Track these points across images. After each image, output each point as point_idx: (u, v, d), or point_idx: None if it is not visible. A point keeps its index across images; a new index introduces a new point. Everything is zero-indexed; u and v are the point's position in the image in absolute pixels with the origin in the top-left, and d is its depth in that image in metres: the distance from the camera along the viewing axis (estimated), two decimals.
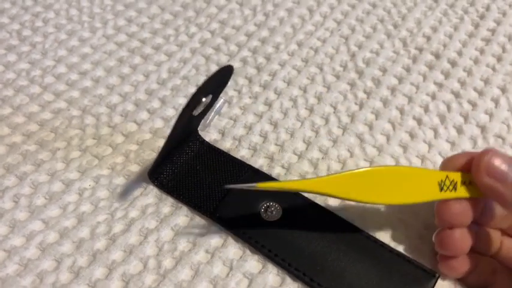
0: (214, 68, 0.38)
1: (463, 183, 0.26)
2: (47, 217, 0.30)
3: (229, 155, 0.33)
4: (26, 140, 0.34)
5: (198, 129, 0.34)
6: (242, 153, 0.33)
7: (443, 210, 0.26)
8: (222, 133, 0.34)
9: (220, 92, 0.31)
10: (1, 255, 0.28)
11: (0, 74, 0.38)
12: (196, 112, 0.29)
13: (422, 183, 0.25)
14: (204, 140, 0.34)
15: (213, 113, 0.34)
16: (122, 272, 0.28)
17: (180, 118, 0.27)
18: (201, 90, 0.27)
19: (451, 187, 0.25)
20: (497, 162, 0.25)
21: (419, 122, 0.34)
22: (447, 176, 0.25)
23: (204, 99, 0.28)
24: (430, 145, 0.33)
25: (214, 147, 0.34)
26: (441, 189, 0.25)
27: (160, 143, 0.34)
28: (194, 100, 0.27)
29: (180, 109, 0.33)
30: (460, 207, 0.25)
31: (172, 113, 0.36)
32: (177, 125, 0.27)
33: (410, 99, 0.35)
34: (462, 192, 0.26)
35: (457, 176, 0.26)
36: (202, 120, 0.33)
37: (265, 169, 0.32)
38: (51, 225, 0.30)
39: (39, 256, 0.28)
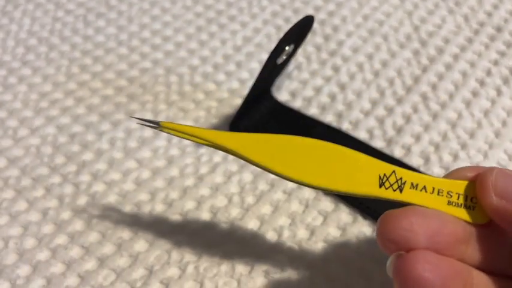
0: None
1: (450, 195, 0.21)
2: (140, 157, 0.34)
3: (300, 112, 0.36)
4: (118, 93, 0.38)
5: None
6: (312, 112, 0.36)
7: (383, 221, 0.20)
8: (293, 94, 0.38)
9: (301, 42, 0.33)
10: (102, 187, 0.32)
11: (92, 37, 0.42)
12: (279, 61, 0.32)
13: (358, 172, 0.21)
14: (277, 99, 0.37)
15: None
16: (210, 205, 0.31)
17: (266, 65, 0.30)
18: (285, 39, 0.30)
19: (395, 186, 0.21)
20: (507, 179, 0.20)
21: (481, 83, 0.37)
22: (394, 172, 0.21)
23: (287, 48, 0.31)
24: (493, 102, 0.35)
25: (286, 105, 0.37)
26: (381, 185, 0.21)
27: (237, 101, 0.37)
28: (279, 48, 0.30)
29: (256, 71, 0.36)
30: (409, 220, 0.19)
31: (247, 76, 0.39)
32: (263, 70, 0.30)
33: (472, 65, 0.38)
34: (419, 199, 0.21)
35: (417, 179, 0.21)
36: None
37: (334, 125, 0.35)
38: (144, 164, 0.33)
39: (136, 189, 0.32)
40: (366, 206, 0.30)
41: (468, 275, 0.20)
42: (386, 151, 0.33)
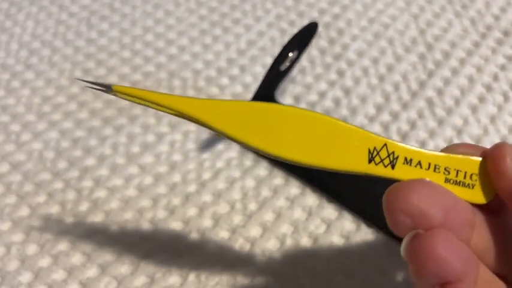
0: None
1: (447, 171, 0.19)
2: (143, 163, 0.33)
3: None
4: None
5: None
6: None
7: (396, 194, 0.17)
8: (297, 99, 0.37)
9: (305, 48, 0.33)
10: (104, 193, 0.32)
11: (95, 40, 0.42)
12: (283, 67, 0.31)
13: (345, 145, 0.19)
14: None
15: None
16: (212, 211, 0.31)
17: (269, 72, 0.30)
18: (289, 46, 0.30)
19: (386, 161, 0.19)
20: None
21: (488, 89, 0.36)
22: (385, 145, 0.19)
23: (290, 54, 0.31)
24: (499, 107, 0.35)
25: None
26: (370, 160, 0.19)
27: None
28: (282, 55, 0.30)
29: (260, 75, 0.36)
30: (430, 191, 0.17)
31: (250, 80, 0.39)
32: (266, 78, 0.30)
33: (479, 70, 0.37)
34: (412, 173, 0.19)
35: (411, 153, 0.19)
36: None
37: None
38: (146, 170, 0.33)
39: (138, 195, 0.32)
40: (370, 214, 0.30)
41: (477, 265, 0.18)
42: None
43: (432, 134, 0.34)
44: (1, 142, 0.35)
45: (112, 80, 0.39)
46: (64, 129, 0.36)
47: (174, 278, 0.28)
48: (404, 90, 0.37)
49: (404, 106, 0.36)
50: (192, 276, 0.28)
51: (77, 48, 0.42)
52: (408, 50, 0.39)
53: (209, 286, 0.27)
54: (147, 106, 0.19)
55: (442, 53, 0.39)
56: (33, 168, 0.33)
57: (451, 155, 0.19)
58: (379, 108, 0.36)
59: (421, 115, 0.35)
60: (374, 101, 0.36)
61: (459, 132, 0.34)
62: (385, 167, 0.19)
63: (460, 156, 0.19)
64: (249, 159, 0.33)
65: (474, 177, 0.19)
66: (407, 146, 0.19)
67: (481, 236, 0.19)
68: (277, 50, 0.40)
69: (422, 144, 0.33)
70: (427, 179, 0.19)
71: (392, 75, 0.38)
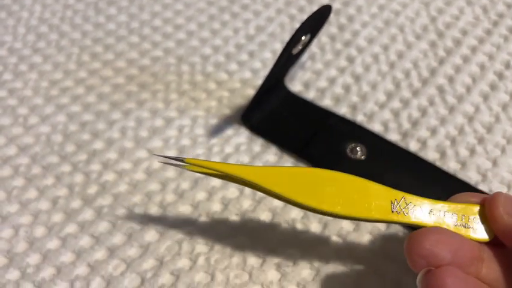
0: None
1: (462, 217, 0.23)
2: (151, 147, 0.33)
3: (314, 103, 0.35)
4: (129, 82, 0.37)
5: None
6: (325, 103, 0.36)
7: (414, 239, 0.21)
8: (306, 85, 0.37)
9: (318, 31, 0.33)
10: (112, 177, 0.32)
11: (103, 25, 0.42)
12: (295, 51, 0.31)
13: (372, 199, 0.23)
14: (290, 90, 0.36)
15: None
16: (221, 196, 0.31)
17: (281, 54, 0.29)
18: (302, 29, 0.29)
19: (406, 210, 0.23)
20: None
21: (500, 76, 0.36)
22: (404, 198, 0.23)
23: (303, 38, 0.30)
24: (511, 95, 0.35)
25: (299, 96, 0.36)
26: (393, 210, 0.23)
27: (249, 91, 0.37)
28: (295, 38, 0.29)
29: (269, 61, 0.35)
30: (439, 236, 0.21)
31: (259, 66, 0.38)
32: (278, 60, 0.30)
33: (491, 57, 0.37)
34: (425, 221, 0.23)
35: (418, 201, 0.23)
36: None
37: (347, 117, 0.34)
38: (155, 154, 0.33)
39: (146, 179, 0.32)
40: None
41: None
42: (402, 144, 0.33)
43: (443, 121, 0.34)
44: (9, 125, 0.35)
45: (120, 64, 0.39)
46: (72, 112, 0.35)
47: (183, 261, 0.28)
48: (415, 78, 0.36)
49: (415, 93, 0.35)
50: (201, 260, 0.28)
51: (85, 32, 0.41)
52: (419, 37, 0.39)
53: (218, 269, 0.27)
54: (214, 177, 0.24)
55: (453, 41, 0.39)
56: (41, 151, 0.33)
57: (457, 204, 0.23)
58: (389, 95, 0.35)
59: (432, 102, 0.35)
60: (384, 88, 0.36)
61: (470, 119, 0.34)
62: (406, 215, 0.23)
63: (464, 204, 0.23)
64: (257, 145, 0.33)
65: (476, 220, 0.23)
66: (421, 198, 0.23)
67: (490, 267, 0.22)
68: (286, 36, 0.40)
69: (433, 132, 0.33)
70: (437, 226, 0.23)
71: (403, 62, 0.37)
